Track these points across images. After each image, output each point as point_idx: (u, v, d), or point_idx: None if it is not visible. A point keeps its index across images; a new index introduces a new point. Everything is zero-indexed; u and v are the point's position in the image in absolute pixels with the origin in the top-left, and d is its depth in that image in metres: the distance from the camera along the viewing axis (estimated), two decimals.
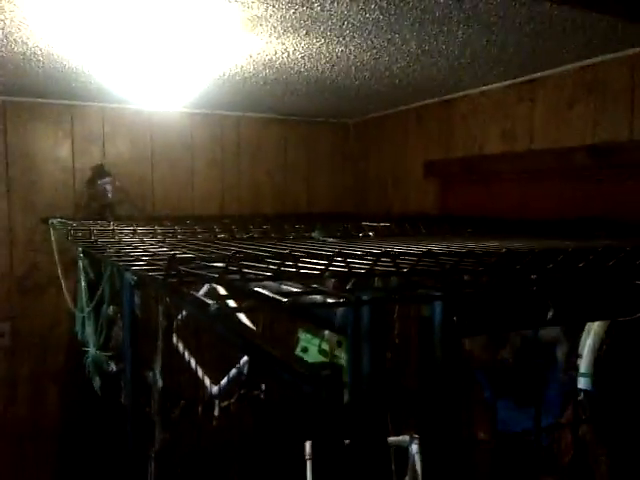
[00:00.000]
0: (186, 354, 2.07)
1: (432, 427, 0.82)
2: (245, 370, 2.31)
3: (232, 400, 2.40)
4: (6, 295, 2.88)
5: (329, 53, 2.05)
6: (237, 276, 0.72)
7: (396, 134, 3.28)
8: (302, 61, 2.15)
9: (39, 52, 1.98)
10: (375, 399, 0.78)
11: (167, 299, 1.43)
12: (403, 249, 1.02)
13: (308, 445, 1.44)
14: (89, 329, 1.66)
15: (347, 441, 0.77)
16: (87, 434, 2.78)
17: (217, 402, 2.40)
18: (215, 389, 2.32)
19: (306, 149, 3.55)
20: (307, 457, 1.44)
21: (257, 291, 0.76)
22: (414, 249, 1.00)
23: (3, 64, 2.12)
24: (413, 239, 1.47)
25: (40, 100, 2.90)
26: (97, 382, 1.69)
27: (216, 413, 2.37)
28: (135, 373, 1.54)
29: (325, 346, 2.11)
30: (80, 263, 1.79)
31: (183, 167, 3.27)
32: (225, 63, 2.16)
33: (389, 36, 1.85)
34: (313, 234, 1.57)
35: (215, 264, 0.76)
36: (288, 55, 2.07)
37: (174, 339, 1.70)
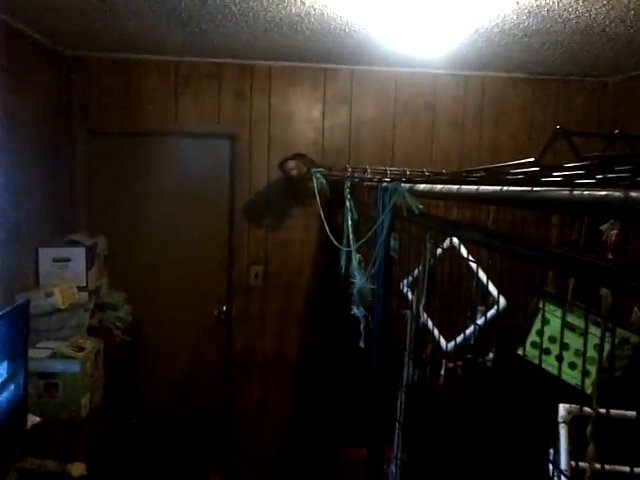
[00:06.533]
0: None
1: None
2: (472, 338, 2.27)
3: (460, 363, 2.38)
4: (263, 240, 3.26)
5: None
6: None
7: None
8: (574, 5, 1.97)
9: (312, 11, 2.14)
10: None
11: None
12: None
13: (562, 408, 1.37)
14: (355, 263, 1.79)
15: None
16: (327, 365, 3.03)
17: (445, 361, 2.40)
18: (449, 345, 2.32)
19: (555, 111, 3.29)
20: (560, 420, 1.37)
21: None
22: None
23: (280, 25, 2.34)
24: None
25: (299, 64, 3.16)
26: (361, 311, 1.82)
27: (442, 372, 2.38)
28: (386, 309, 1.61)
29: (573, 320, 1.94)
30: (347, 204, 1.93)
31: (424, 127, 3.28)
32: (487, 13, 2.09)
33: None
34: None
35: None
36: None
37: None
